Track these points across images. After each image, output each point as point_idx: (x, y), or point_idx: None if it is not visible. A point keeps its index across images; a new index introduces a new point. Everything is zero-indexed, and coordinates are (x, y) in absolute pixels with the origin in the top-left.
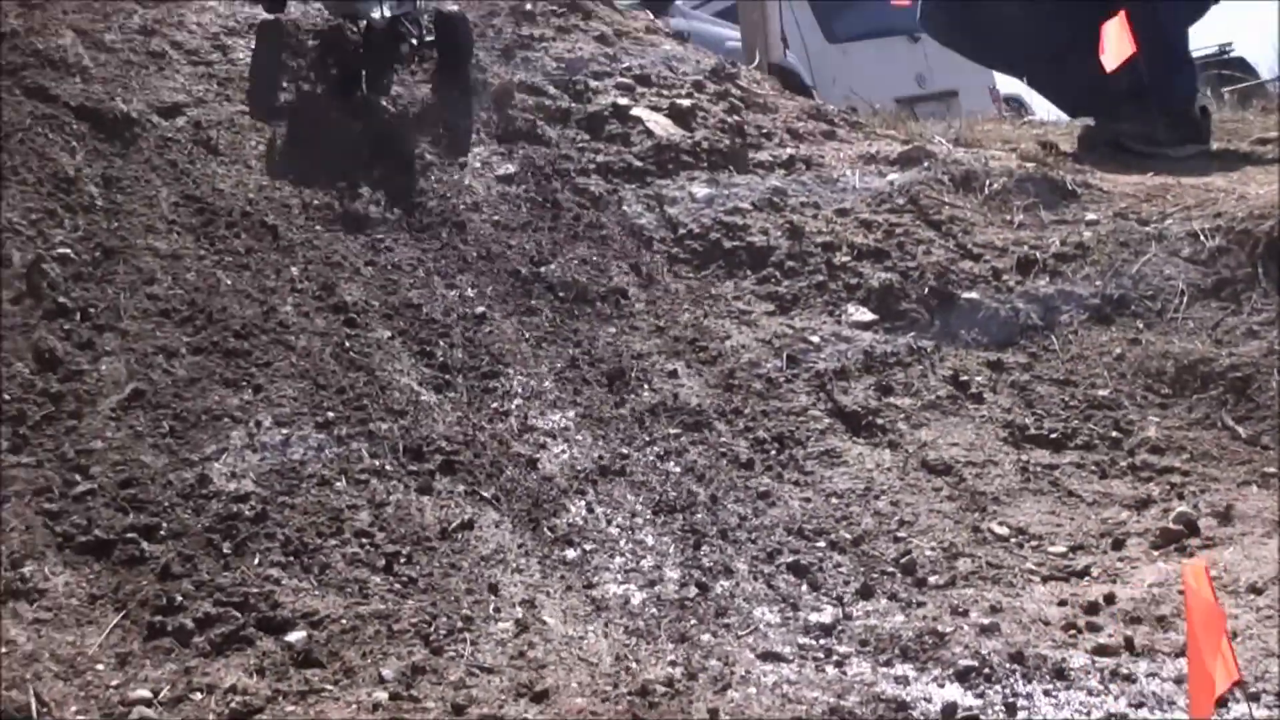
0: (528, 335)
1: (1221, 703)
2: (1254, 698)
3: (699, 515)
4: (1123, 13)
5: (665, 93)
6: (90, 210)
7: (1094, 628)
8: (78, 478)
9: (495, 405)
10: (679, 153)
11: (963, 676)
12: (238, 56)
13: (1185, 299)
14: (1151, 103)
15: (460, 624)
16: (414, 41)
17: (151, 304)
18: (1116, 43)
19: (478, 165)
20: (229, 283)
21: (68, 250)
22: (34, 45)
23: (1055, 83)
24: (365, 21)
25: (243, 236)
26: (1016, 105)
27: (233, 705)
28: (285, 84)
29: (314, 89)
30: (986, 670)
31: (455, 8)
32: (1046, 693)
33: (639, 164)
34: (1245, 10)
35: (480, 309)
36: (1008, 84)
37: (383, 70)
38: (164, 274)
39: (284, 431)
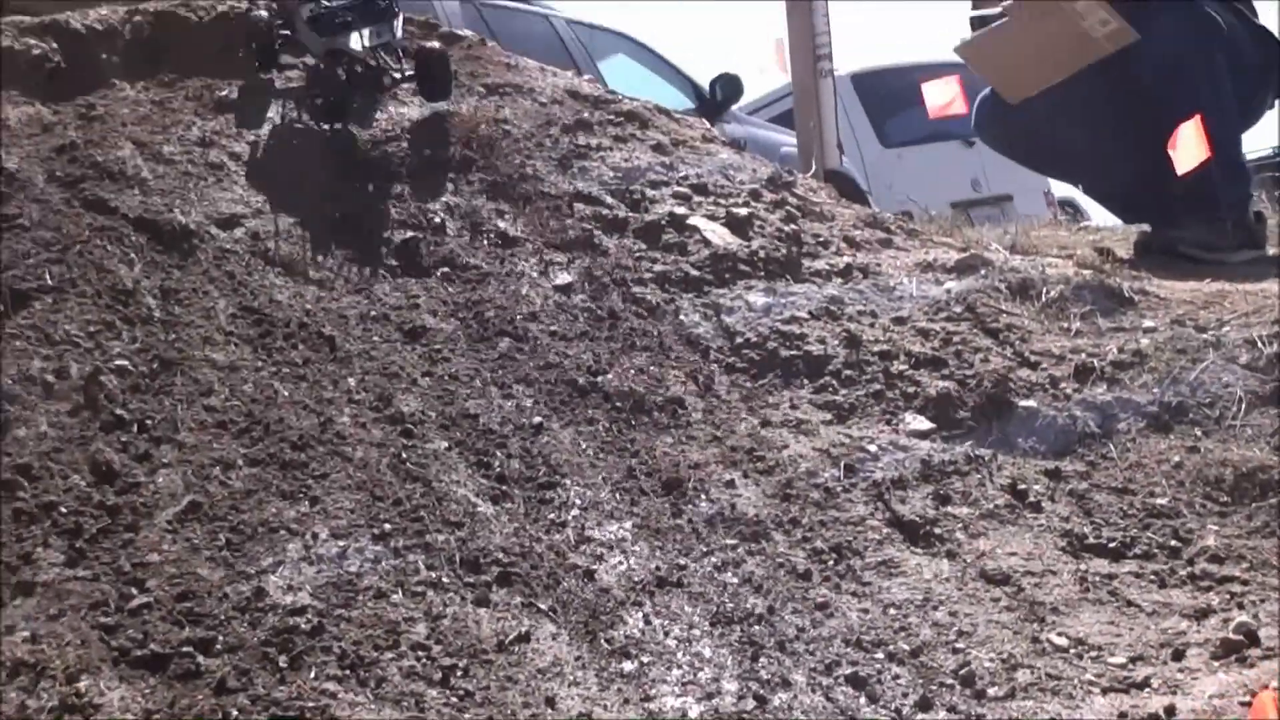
0: (585, 445)
1: None
2: None
3: (757, 627)
4: (1198, 116)
5: (722, 201)
6: (148, 322)
7: None
8: (134, 591)
9: (552, 516)
10: (736, 262)
11: None
12: (295, 167)
13: (1243, 406)
14: (1206, 208)
15: None
16: (395, 75)
17: (209, 416)
18: (1192, 146)
19: (534, 275)
20: (286, 394)
21: (125, 362)
22: (93, 157)
23: (1109, 188)
24: (346, 54)
25: (300, 347)
26: (1072, 209)
27: None
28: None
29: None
30: None
31: (437, 44)
32: None
33: (696, 273)
34: None
35: (537, 419)
36: (1062, 187)
37: (366, 101)
38: (221, 385)
39: (340, 543)
